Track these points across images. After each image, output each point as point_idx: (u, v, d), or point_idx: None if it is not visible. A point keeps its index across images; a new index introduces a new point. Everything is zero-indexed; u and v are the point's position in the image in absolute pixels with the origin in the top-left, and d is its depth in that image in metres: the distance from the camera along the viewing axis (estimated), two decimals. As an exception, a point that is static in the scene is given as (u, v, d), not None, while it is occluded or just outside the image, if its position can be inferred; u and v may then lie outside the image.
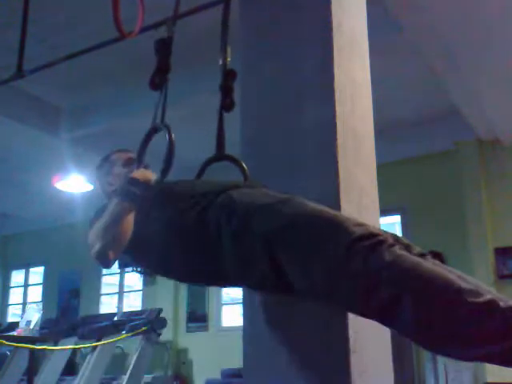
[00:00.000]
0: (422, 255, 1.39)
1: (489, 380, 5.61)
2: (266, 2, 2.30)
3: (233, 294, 8.37)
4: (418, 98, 6.10)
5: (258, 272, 1.45)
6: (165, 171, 1.68)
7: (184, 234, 1.60)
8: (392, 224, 7.53)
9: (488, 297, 1.17)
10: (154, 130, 1.80)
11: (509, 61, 5.03)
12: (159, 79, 1.83)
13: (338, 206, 1.87)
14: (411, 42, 4.57)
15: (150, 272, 1.96)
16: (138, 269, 8.61)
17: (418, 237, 6.83)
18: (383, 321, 1.31)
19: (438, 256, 6.68)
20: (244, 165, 1.99)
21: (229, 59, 2.04)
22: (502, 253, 6.32)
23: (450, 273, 1.28)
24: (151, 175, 1.70)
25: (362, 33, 2.34)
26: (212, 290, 8.13)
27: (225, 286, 1.81)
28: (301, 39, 2.14)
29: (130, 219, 1.62)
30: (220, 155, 2.03)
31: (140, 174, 1.69)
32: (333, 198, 1.89)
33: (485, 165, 6.63)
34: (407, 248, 1.36)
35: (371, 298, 1.24)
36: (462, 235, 6.46)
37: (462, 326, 1.16)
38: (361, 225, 1.36)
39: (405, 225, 7.12)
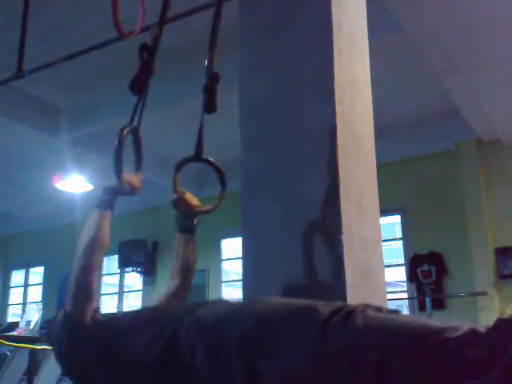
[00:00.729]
0: (395, 311, 1.39)
1: None
2: (265, 1, 2.30)
3: (233, 295, 8.37)
4: (418, 98, 6.11)
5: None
6: (137, 170, 1.83)
7: (152, 368, 1.53)
8: (392, 224, 7.53)
9: (467, 327, 1.18)
10: (125, 133, 1.83)
11: (509, 61, 5.03)
12: (141, 83, 1.86)
13: (338, 206, 1.87)
14: (411, 42, 4.57)
15: None
16: (138, 268, 8.63)
17: (418, 237, 6.84)
18: None
19: (437, 256, 6.68)
20: (221, 168, 2.01)
21: (215, 60, 2.05)
22: (502, 253, 6.32)
23: (426, 321, 1.29)
24: (131, 177, 1.80)
25: (362, 33, 2.33)
26: (212, 290, 8.14)
27: None
28: (301, 39, 2.13)
29: (106, 224, 1.72)
30: (198, 157, 2.05)
31: (111, 181, 1.78)
32: (333, 198, 1.89)
33: (485, 165, 6.64)
34: (378, 310, 1.36)
35: (360, 368, 1.21)
36: (462, 235, 6.46)
37: (452, 363, 1.16)
38: (328, 304, 1.35)
39: (405, 225, 7.12)
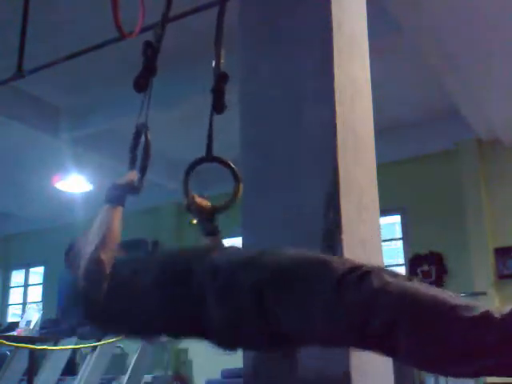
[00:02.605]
0: (409, 279, 1.39)
1: (488, 380, 5.61)
2: (265, 2, 2.30)
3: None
4: (418, 98, 6.11)
5: (249, 329, 1.41)
6: (142, 171, 1.77)
7: (168, 296, 1.56)
8: (392, 224, 7.53)
9: (483, 310, 1.17)
10: (139, 132, 1.85)
11: (509, 61, 5.03)
12: (144, 81, 1.86)
13: (337, 206, 1.87)
14: (411, 41, 4.57)
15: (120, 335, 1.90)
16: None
17: (418, 237, 6.84)
18: (383, 350, 1.30)
19: (437, 256, 6.68)
20: (235, 167, 1.96)
21: (221, 60, 2.03)
22: (502, 253, 6.32)
23: (441, 292, 1.28)
24: (135, 175, 1.77)
25: (362, 33, 2.33)
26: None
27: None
28: (301, 39, 2.13)
29: (117, 219, 1.68)
30: (209, 157, 2.00)
31: (123, 178, 1.76)
32: (333, 197, 1.89)
33: (485, 165, 6.64)
34: (394, 275, 1.37)
35: (368, 328, 1.23)
36: (462, 235, 6.46)
37: (461, 343, 1.16)
38: (344, 262, 1.37)
39: (405, 225, 7.12)
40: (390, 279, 1.28)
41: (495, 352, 1.14)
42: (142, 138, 1.88)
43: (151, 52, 1.88)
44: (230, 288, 1.43)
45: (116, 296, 1.61)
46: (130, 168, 1.82)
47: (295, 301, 1.34)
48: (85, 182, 7.36)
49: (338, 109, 1.98)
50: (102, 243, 1.63)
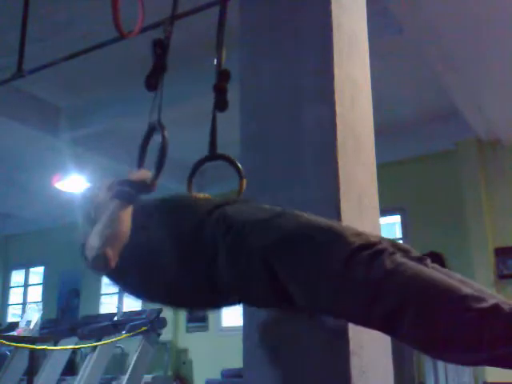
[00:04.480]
0: (421, 259, 1.39)
1: (488, 380, 5.61)
2: (265, 2, 2.30)
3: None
4: (418, 97, 6.10)
5: (256, 287, 1.42)
6: (158, 169, 1.68)
7: (180, 246, 1.56)
8: (392, 224, 7.52)
9: (492, 302, 1.17)
10: (151, 130, 1.79)
11: (509, 61, 5.03)
12: (155, 80, 1.82)
13: (337, 206, 1.87)
14: (411, 41, 4.57)
15: (134, 294, 1.88)
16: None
17: (418, 237, 6.83)
18: (386, 330, 1.30)
19: (437, 256, 6.68)
20: (239, 164, 1.93)
21: (223, 58, 2.01)
22: (502, 253, 6.32)
23: (451, 278, 1.28)
24: (148, 174, 1.69)
25: (362, 33, 2.34)
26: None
27: (217, 307, 1.74)
28: (301, 39, 2.14)
29: (127, 218, 1.61)
30: (213, 155, 1.98)
31: (135, 174, 1.69)
32: (333, 197, 1.89)
33: (485, 165, 6.63)
34: (406, 254, 1.36)
35: (374, 308, 1.23)
36: (462, 235, 6.45)
37: (468, 332, 1.16)
38: (359, 234, 1.35)
39: (405, 225, 7.12)
40: (401, 259, 1.27)
41: (501, 344, 1.14)
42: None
43: (160, 49, 1.85)
44: (240, 248, 1.43)
45: (128, 256, 1.58)
46: (138, 166, 1.76)
47: (303, 268, 1.34)
48: (85, 182, 7.36)
49: (337, 109, 1.98)
50: (110, 240, 1.58)
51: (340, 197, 1.88)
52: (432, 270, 1.32)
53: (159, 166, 1.68)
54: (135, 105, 5.63)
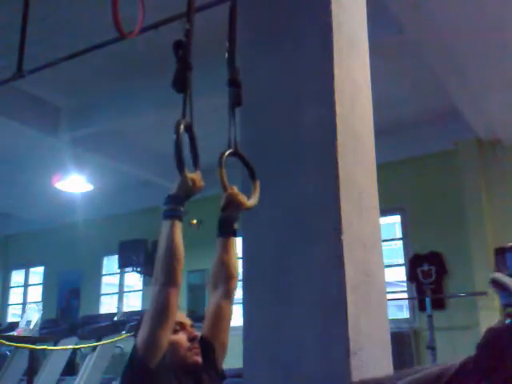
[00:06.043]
0: None
1: None
2: (265, 1, 2.30)
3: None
4: (417, 98, 6.10)
5: None
6: (196, 164, 1.70)
7: None
8: (392, 224, 7.53)
9: (458, 362, 1.28)
10: (184, 129, 1.71)
11: (509, 61, 5.03)
12: (183, 81, 1.79)
13: (337, 206, 1.87)
14: (411, 42, 4.57)
15: None
16: (138, 268, 8.63)
17: (418, 237, 6.84)
18: None
19: (437, 256, 6.68)
20: (250, 162, 1.86)
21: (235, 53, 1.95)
22: (502, 253, 6.32)
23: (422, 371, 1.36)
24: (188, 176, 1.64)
25: (362, 33, 2.34)
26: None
27: None
28: (301, 39, 2.13)
29: (178, 233, 1.59)
30: (235, 152, 1.84)
31: (173, 187, 1.65)
32: (333, 197, 1.89)
33: (485, 165, 6.63)
34: None
35: None
36: (462, 235, 6.46)
37: None
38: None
39: (405, 225, 7.12)
40: None
41: None
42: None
43: (183, 50, 1.82)
44: None
45: None
46: (178, 167, 1.64)
47: None
48: (85, 182, 7.36)
49: (338, 109, 1.98)
50: (169, 264, 1.57)
51: (340, 197, 1.88)
52: None
53: (195, 160, 1.69)
54: (135, 105, 5.63)
